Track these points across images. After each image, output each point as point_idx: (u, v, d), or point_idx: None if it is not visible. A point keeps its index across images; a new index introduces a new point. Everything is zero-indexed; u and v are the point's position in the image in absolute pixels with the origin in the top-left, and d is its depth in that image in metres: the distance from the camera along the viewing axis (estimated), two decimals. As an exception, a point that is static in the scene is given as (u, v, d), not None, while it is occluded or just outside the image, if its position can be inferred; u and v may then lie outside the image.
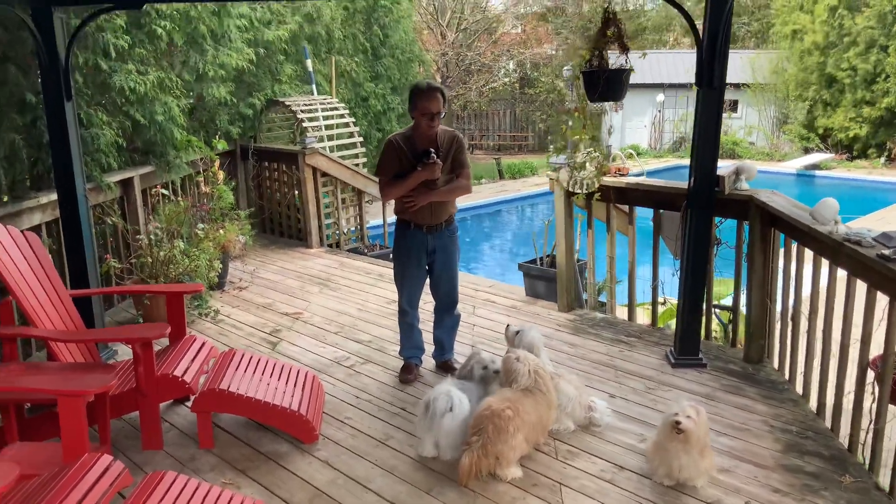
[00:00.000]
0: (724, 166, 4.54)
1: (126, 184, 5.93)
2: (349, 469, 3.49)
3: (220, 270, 6.00)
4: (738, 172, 4.59)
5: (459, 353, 4.66)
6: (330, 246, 8.16)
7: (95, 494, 2.53)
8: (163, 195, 6.06)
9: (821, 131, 20.29)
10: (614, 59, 4.46)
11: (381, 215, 8.70)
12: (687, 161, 4.46)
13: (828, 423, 3.81)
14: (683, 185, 4.67)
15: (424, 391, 4.33)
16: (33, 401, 3.54)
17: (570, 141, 5.03)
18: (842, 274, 3.63)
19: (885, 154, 18.91)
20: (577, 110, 4.89)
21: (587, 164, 4.95)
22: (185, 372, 3.70)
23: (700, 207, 4.41)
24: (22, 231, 3.90)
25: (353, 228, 8.59)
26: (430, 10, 22.64)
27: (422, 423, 3.55)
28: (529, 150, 23.69)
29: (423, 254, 4.31)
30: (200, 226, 5.84)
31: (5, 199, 4.83)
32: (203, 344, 4.11)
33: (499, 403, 3.36)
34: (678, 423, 3.15)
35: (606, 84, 4.44)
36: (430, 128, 4.09)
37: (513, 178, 18.32)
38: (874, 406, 3.33)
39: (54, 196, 4.66)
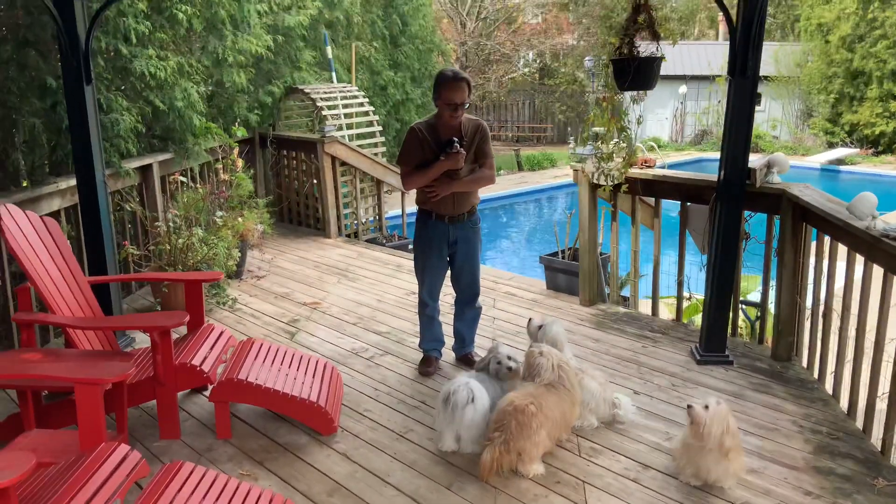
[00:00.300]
0: (754, 159, 4.42)
1: (145, 170, 5.90)
2: (368, 462, 3.43)
3: (238, 259, 5.95)
4: (769, 165, 4.47)
5: (480, 347, 4.58)
6: (348, 236, 8.11)
7: (112, 485, 2.48)
8: (181, 182, 6.01)
9: (846, 126, 19.96)
10: (644, 47, 4.34)
11: (399, 205, 8.63)
12: (708, 154, 4.38)
13: (859, 425, 3.70)
14: (712, 177, 4.56)
15: (444, 384, 4.26)
16: (51, 388, 3.51)
17: (595, 131, 4.92)
18: (877, 271, 3.51)
19: (913, 150, 18.57)
20: (604, 99, 4.78)
21: (614, 155, 4.84)
22: (204, 361, 3.65)
23: (730, 201, 4.30)
24: (41, 217, 3.86)
25: (371, 218, 8.52)
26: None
27: (442, 417, 3.47)
28: (548, 142, 23.50)
29: (445, 245, 4.22)
30: (219, 213, 5.80)
31: (25, 184, 4.80)
32: (221, 333, 4.06)
33: (522, 399, 3.28)
34: (689, 406, 3.06)
35: (637, 73, 4.34)
36: (454, 118, 4.00)
37: (532, 170, 18.18)
38: (911, 408, 3.23)
39: (73, 181, 4.62)
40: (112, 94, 5.31)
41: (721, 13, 4.06)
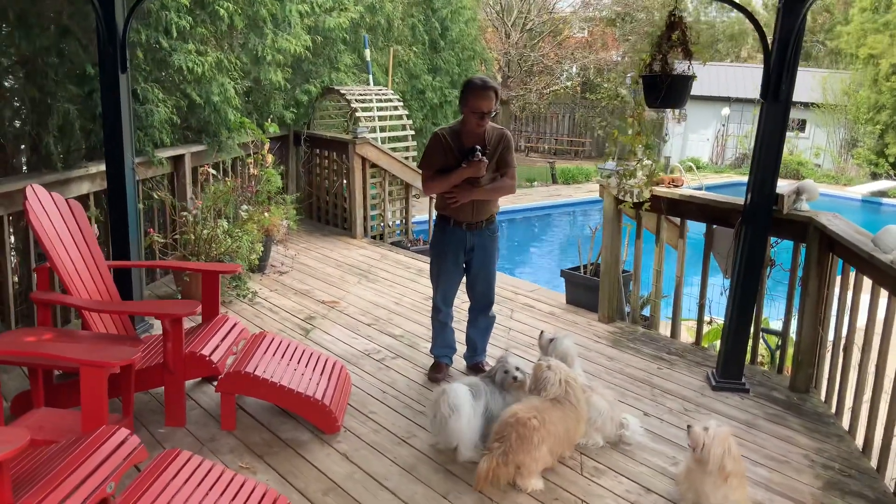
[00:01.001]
0: (784, 185, 4.33)
1: (177, 160, 5.98)
2: (367, 464, 3.42)
3: (261, 253, 6.01)
4: (798, 192, 4.38)
5: (492, 357, 4.55)
6: (373, 237, 8.14)
7: (108, 468, 2.51)
8: (212, 174, 6.09)
9: (892, 158, 19.51)
10: (677, 65, 4.29)
11: (427, 210, 8.64)
12: (747, 179, 4.26)
13: (873, 463, 3.59)
14: (739, 200, 4.48)
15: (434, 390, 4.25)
16: (62, 367, 3.57)
17: (621, 147, 4.87)
18: (902, 307, 3.42)
19: (959, 186, 18.08)
20: (632, 116, 4.72)
21: (638, 172, 4.78)
22: (213, 351, 3.68)
23: (756, 225, 4.21)
24: (67, 199, 3.93)
25: (398, 221, 8.55)
26: (496, 9, 22.50)
27: (432, 426, 3.50)
28: (586, 157, 23.39)
29: (461, 251, 4.21)
30: (244, 207, 5.86)
31: (59, 166, 4.90)
32: (235, 325, 4.09)
33: (525, 412, 3.25)
34: (689, 427, 2.99)
35: (668, 90, 4.27)
36: (479, 126, 3.99)
37: (566, 184, 18.09)
38: (926, 450, 3.12)
39: (104, 167, 4.71)
40: (149, 85, 5.40)
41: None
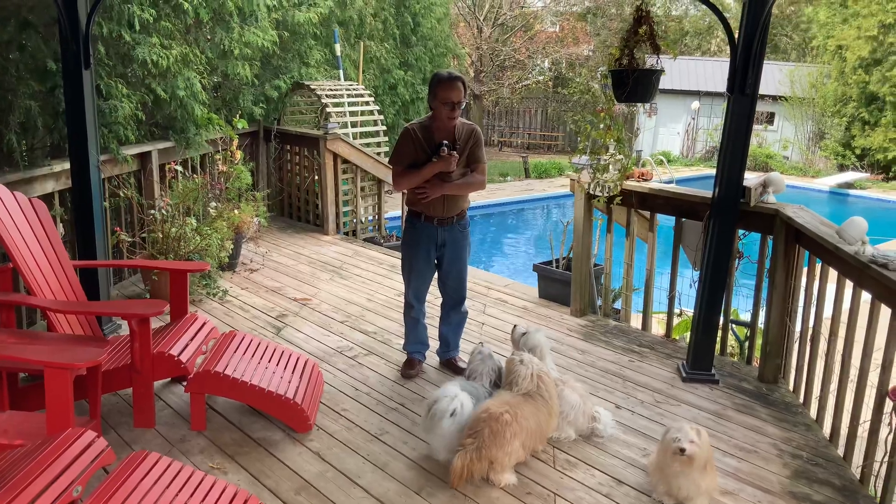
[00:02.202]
0: (751, 178, 4.38)
1: (143, 157, 5.90)
2: (340, 462, 3.41)
3: (231, 251, 5.94)
4: (765, 185, 4.43)
5: (465, 352, 4.55)
6: (346, 234, 8.10)
7: (74, 471, 2.47)
8: (180, 172, 6.01)
9: (858, 150, 19.86)
10: (647, 60, 4.31)
11: (400, 206, 8.61)
12: (715, 172, 4.30)
13: (840, 451, 3.65)
14: (707, 193, 4.52)
15: (425, 387, 4.25)
16: (26, 370, 3.50)
17: (594, 142, 4.89)
18: (865, 296, 3.47)
19: (924, 177, 18.46)
20: (602, 110, 4.74)
21: (610, 167, 4.81)
22: (182, 351, 3.63)
23: (723, 218, 4.25)
24: (30, 198, 3.86)
25: (370, 217, 8.51)
26: (468, 4, 22.49)
27: (423, 424, 3.44)
28: (559, 151, 23.48)
29: (433, 247, 4.20)
30: (213, 204, 5.79)
31: (22, 165, 4.81)
32: (204, 324, 4.04)
33: (497, 407, 3.25)
34: (683, 450, 3.00)
35: (635, 84, 4.29)
36: (451, 118, 3.97)
37: (539, 178, 18.16)
38: (890, 437, 3.18)
39: (68, 165, 4.62)
40: (113, 80, 5.31)
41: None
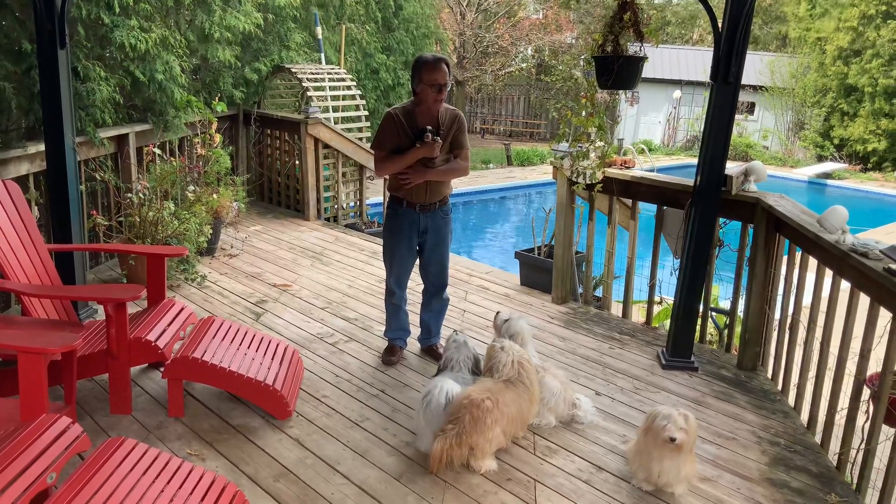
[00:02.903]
0: (732, 167, 4.39)
1: (121, 140, 5.80)
2: (320, 449, 3.38)
3: (210, 236, 5.88)
4: (746, 173, 4.44)
5: (446, 339, 4.53)
6: (327, 220, 8.04)
7: (48, 458, 2.43)
8: (158, 155, 5.92)
9: (837, 141, 20.06)
10: (629, 47, 4.29)
11: (381, 192, 8.57)
12: (697, 161, 4.30)
13: (818, 439, 3.69)
14: (689, 182, 4.52)
15: (406, 374, 4.23)
16: (0, 355, 3.44)
17: (575, 129, 4.87)
18: (845, 285, 3.50)
19: (900, 168, 18.68)
20: (585, 97, 4.73)
21: (590, 153, 4.80)
22: (160, 337, 3.59)
23: (705, 207, 4.26)
24: (2, 180, 3.78)
25: (352, 203, 8.46)
26: (451, -11, 22.35)
27: (421, 418, 3.37)
28: (541, 139, 23.48)
29: (415, 233, 4.17)
30: (191, 188, 5.71)
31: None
32: (182, 309, 3.99)
33: (478, 394, 3.24)
34: (673, 439, 3.01)
35: (620, 71, 4.28)
36: (437, 101, 3.92)
37: (521, 166, 18.16)
38: (867, 425, 3.21)
39: (43, 147, 4.53)
40: (91, 62, 5.21)
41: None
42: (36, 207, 4.79)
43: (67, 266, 4.41)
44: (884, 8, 18.57)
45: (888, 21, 18.46)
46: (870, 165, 19.37)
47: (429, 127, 3.93)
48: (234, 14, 6.86)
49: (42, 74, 4.25)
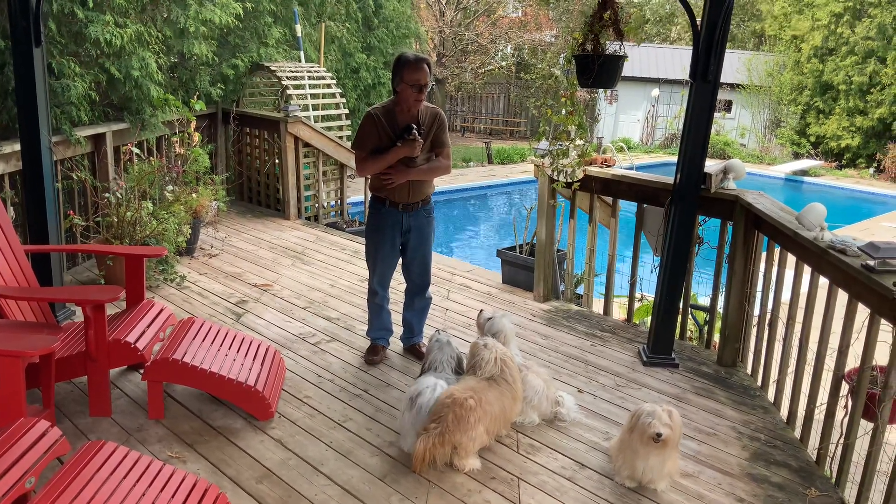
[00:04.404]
0: (712, 164, 4.42)
1: (97, 139, 5.73)
2: (302, 450, 3.37)
3: (189, 235, 5.82)
4: (726, 171, 4.48)
5: (428, 338, 4.53)
6: (308, 219, 7.99)
7: (27, 462, 2.39)
8: (136, 154, 5.85)
9: (813, 138, 20.30)
10: (609, 46, 4.30)
11: (362, 191, 8.53)
12: (676, 158, 4.33)
13: (797, 434, 3.73)
14: (669, 180, 4.56)
15: (389, 374, 4.22)
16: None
17: (555, 127, 4.88)
18: (823, 282, 3.53)
19: (875, 165, 18.94)
20: (565, 95, 4.74)
21: (570, 152, 4.81)
22: (139, 338, 3.55)
23: (684, 204, 4.29)
24: (-23, 180, 3.72)
25: (332, 202, 8.42)
26: (430, -13, 22.31)
27: (406, 417, 3.35)
28: (521, 137, 23.52)
29: (398, 233, 4.15)
30: (169, 188, 5.66)
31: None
32: (161, 310, 3.95)
33: (461, 392, 3.23)
34: (659, 435, 3.02)
35: (600, 70, 4.29)
36: (418, 101, 3.91)
37: (502, 164, 18.18)
38: (846, 420, 3.25)
39: (18, 146, 4.46)
40: (65, 59, 5.14)
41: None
42: (11, 208, 4.72)
43: (44, 267, 4.35)
44: (850, 4, 18.82)
45: (861, 19, 18.71)
46: (844, 162, 19.63)
47: (412, 125, 3.92)
48: (209, 8, 6.78)
49: (17, 72, 4.18)
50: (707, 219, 4.69)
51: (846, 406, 3.28)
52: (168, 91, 6.42)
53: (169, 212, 5.46)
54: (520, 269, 5.88)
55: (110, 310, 3.69)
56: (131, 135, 6.07)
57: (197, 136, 6.37)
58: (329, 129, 8.41)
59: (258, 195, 8.36)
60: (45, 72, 4.28)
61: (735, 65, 21.03)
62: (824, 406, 3.42)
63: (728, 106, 22.50)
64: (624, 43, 4.28)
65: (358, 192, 8.99)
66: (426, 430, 3.19)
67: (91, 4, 5.16)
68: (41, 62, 4.23)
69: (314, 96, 8.50)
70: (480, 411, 3.21)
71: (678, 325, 4.69)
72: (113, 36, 5.31)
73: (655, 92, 22.40)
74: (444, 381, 3.41)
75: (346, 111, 9.04)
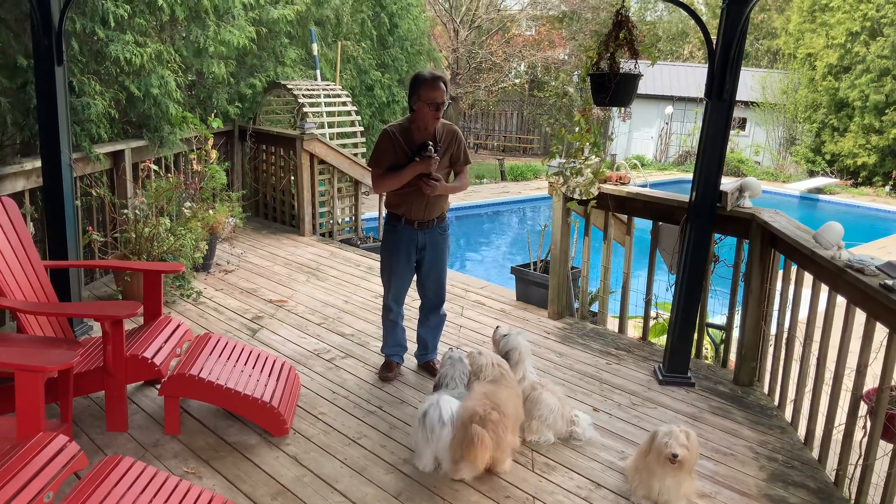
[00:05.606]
0: (727, 182, 4.42)
1: (116, 156, 5.80)
2: (317, 467, 3.37)
3: (206, 252, 5.86)
4: (741, 189, 4.47)
5: (442, 355, 4.52)
6: (323, 235, 8.04)
7: (45, 476, 2.40)
8: (154, 171, 5.92)
9: (828, 156, 20.21)
10: (623, 64, 4.33)
11: (377, 207, 8.57)
12: (690, 176, 4.33)
13: (815, 454, 3.69)
14: (684, 198, 4.55)
15: (403, 390, 4.22)
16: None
17: (568, 145, 4.90)
18: (840, 301, 3.51)
19: (891, 183, 18.81)
20: (581, 113, 4.75)
21: (584, 170, 4.82)
22: (156, 354, 3.57)
23: (700, 222, 4.29)
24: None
25: (347, 219, 8.46)
26: (445, 6, 22.48)
27: (419, 436, 3.35)
28: (534, 154, 23.57)
29: (413, 250, 4.17)
30: (187, 204, 5.71)
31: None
32: (178, 326, 3.98)
33: (482, 408, 3.20)
34: (675, 456, 3.00)
35: (617, 88, 4.30)
36: (435, 119, 3.94)
37: (515, 181, 18.19)
38: (864, 440, 3.21)
39: (39, 163, 4.52)
40: (86, 77, 5.21)
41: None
42: (31, 223, 4.78)
43: (63, 282, 4.39)
44: (868, 24, 18.79)
45: (876, 38, 18.68)
46: (860, 180, 19.51)
47: (429, 142, 3.94)
48: (228, 29, 6.88)
49: (39, 90, 4.25)
50: (723, 237, 4.67)
51: (865, 426, 3.25)
52: (186, 109, 6.50)
53: (186, 228, 5.51)
54: (534, 286, 5.87)
55: (128, 325, 3.72)
56: (149, 152, 6.14)
57: (214, 154, 6.43)
58: (344, 146, 8.47)
59: (274, 211, 8.42)
60: (66, 90, 4.34)
61: (749, 82, 21.01)
62: (843, 426, 3.39)
63: (742, 123, 22.45)
64: (639, 61, 4.29)
65: (372, 208, 9.03)
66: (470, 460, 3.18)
67: (112, 24, 5.24)
68: (63, 80, 4.29)
69: (329, 114, 8.56)
70: (505, 419, 3.22)
71: (694, 343, 4.67)
72: (133, 55, 5.39)
73: (669, 109, 22.40)
74: (447, 396, 3.41)
75: (361, 129, 9.10)
